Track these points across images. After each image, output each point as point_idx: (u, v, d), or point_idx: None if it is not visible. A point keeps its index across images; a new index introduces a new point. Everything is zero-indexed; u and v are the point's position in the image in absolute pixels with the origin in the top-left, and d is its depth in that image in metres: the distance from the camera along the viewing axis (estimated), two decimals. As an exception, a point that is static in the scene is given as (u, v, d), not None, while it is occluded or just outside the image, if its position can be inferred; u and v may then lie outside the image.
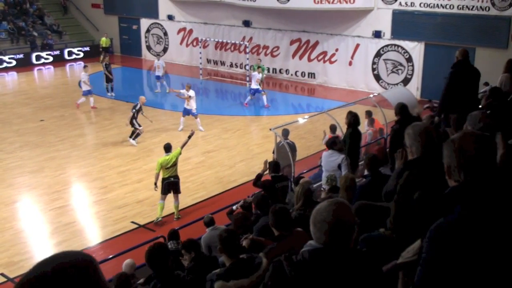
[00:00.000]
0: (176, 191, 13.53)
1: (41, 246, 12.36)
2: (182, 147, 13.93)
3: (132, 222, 13.25)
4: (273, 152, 14.23)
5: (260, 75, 23.31)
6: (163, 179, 13.42)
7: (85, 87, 22.90)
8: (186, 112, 20.43)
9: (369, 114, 16.75)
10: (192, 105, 20.16)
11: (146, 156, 17.62)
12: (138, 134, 19.01)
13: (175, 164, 13.50)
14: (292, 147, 14.25)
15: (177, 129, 20.20)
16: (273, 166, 10.95)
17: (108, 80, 25.08)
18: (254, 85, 22.89)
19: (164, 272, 5.40)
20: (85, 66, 24.48)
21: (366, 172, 7.83)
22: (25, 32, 33.81)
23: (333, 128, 14.98)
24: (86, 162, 17.12)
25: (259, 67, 24.13)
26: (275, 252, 5.32)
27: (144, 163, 17.00)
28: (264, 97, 22.97)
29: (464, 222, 2.50)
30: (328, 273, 2.89)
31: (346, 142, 10.81)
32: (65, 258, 1.73)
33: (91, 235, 13.05)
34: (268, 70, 29.14)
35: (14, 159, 17.36)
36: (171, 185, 13.45)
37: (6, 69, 30.24)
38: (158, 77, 26.03)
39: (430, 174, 4.11)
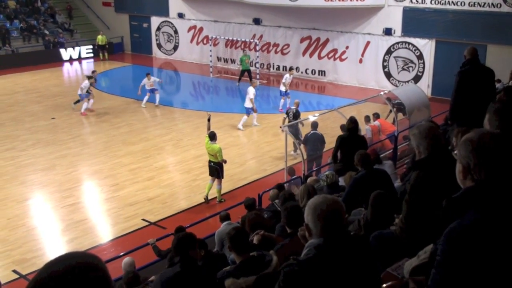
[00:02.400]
0: (218, 176, 14.16)
1: (53, 243, 12.45)
2: (208, 132, 14.54)
3: (143, 219, 13.31)
4: (293, 147, 14.30)
5: (291, 77, 23.15)
6: (209, 161, 14.29)
7: (81, 91, 22.34)
8: (248, 111, 20.35)
9: (376, 116, 16.65)
10: (248, 103, 20.10)
11: (157, 154, 17.69)
12: None
13: (213, 155, 14.09)
14: (321, 139, 15.09)
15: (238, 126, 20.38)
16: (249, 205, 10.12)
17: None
18: (282, 87, 22.58)
19: (188, 259, 5.43)
20: (93, 72, 24.52)
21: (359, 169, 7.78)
22: (37, 31, 34.01)
23: (343, 128, 14.95)
24: (97, 160, 17.22)
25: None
26: (287, 249, 5.36)
27: (155, 161, 17.07)
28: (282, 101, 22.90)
29: (480, 224, 2.47)
30: (334, 264, 3.03)
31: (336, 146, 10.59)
32: (74, 258, 1.76)
33: (102, 232, 13.13)
34: (278, 68, 29.16)
35: (26, 156, 17.49)
36: (211, 169, 14.26)
37: (18, 67, 30.40)
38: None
39: (439, 173, 4.12)
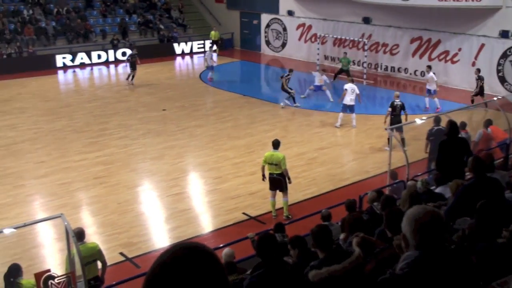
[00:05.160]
0: (281, 189, 13.31)
1: (157, 230, 13.03)
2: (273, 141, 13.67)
3: (244, 213, 13.58)
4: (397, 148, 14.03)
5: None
6: (269, 174, 13.39)
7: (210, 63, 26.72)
8: (346, 109, 20.09)
9: (488, 123, 15.77)
10: (347, 100, 19.90)
11: (261, 150, 17.94)
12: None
13: (277, 164, 13.18)
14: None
15: (335, 125, 20.24)
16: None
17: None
18: (431, 87, 22.56)
19: (271, 261, 5.54)
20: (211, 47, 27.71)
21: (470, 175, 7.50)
22: (152, 25, 35.54)
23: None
24: (202, 152, 17.77)
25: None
26: (386, 253, 5.33)
27: (258, 156, 17.31)
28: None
29: None
30: (432, 278, 2.95)
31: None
32: (193, 244, 1.78)
33: (204, 223, 13.55)
34: (386, 68, 28.65)
35: (137, 145, 18.36)
36: (273, 182, 13.30)
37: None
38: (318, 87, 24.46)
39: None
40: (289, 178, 13.29)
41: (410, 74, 27.99)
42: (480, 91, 22.23)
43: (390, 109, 17.79)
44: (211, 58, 27.67)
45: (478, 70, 22.74)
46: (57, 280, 7.87)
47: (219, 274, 1.71)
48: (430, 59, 27.13)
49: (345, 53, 28.18)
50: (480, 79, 22.30)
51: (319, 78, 23.65)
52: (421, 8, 26.28)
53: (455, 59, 26.43)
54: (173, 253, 1.71)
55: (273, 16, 34.57)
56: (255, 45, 36.11)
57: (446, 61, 26.75)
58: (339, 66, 27.32)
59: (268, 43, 35.39)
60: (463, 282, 3.07)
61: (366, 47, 28.34)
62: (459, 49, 26.16)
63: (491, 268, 4.40)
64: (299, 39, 33.26)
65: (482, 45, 25.29)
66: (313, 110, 22.62)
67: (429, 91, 22.44)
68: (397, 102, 17.78)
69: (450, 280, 2.98)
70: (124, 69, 29.99)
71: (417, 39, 27.63)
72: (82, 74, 30.38)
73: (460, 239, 5.76)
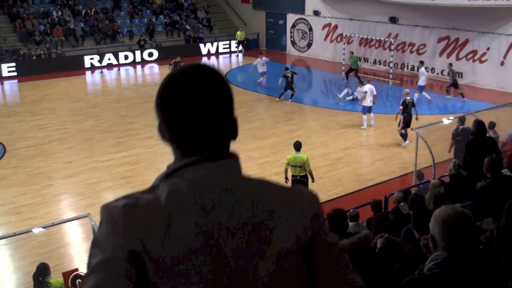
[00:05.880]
0: None
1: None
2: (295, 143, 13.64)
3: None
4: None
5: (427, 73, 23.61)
6: (292, 176, 13.38)
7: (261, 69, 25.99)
8: (366, 110, 19.95)
9: None
10: (368, 101, 19.76)
11: (285, 150, 17.89)
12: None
13: (301, 166, 13.17)
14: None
15: (361, 127, 20.02)
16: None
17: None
18: (422, 82, 22.72)
19: None
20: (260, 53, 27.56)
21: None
22: (179, 26, 35.77)
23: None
24: (228, 152, 17.74)
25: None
26: (414, 254, 5.30)
27: (283, 156, 17.23)
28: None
29: None
30: (462, 280, 2.92)
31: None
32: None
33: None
34: (413, 68, 28.41)
35: (163, 145, 18.09)
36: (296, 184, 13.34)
37: (160, 60, 32.12)
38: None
39: None
40: (312, 178, 13.28)
41: (437, 74, 27.66)
42: (454, 83, 23.51)
43: (401, 107, 17.77)
44: (262, 65, 26.62)
45: (450, 65, 24.13)
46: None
47: (226, 85, 1.71)
48: (457, 59, 26.81)
49: (352, 52, 28.22)
50: (451, 72, 23.61)
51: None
52: (448, 7, 26.00)
53: (483, 59, 26.08)
54: (181, 67, 1.73)
55: (299, 16, 34.52)
56: (281, 45, 36.09)
57: (474, 61, 26.42)
58: (367, 66, 27.26)
59: (293, 43, 35.36)
60: (492, 283, 3.03)
61: (392, 47, 28.13)
62: (488, 49, 25.80)
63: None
64: (325, 39, 33.15)
65: (511, 44, 24.92)
66: (338, 110, 22.53)
67: (421, 87, 22.70)
68: (408, 99, 17.81)
69: (479, 281, 2.95)
70: (150, 69, 30.22)
71: (445, 38, 27.34)
72: (109, 74, 30.71)
73: (488, 240, 5.69)
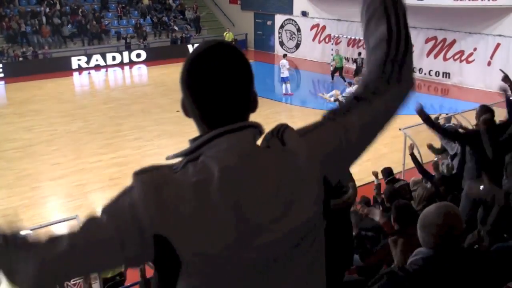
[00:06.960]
0: None
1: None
2: None
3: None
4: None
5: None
6: None
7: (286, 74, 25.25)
8: None
9: None
10: None
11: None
12: None
13: None
14: None
15: None
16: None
17: None
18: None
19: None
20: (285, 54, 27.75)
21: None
22: (166, 26, 35.67)
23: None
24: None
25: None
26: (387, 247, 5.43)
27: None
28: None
29: None
30: (444, 278, 2.90)
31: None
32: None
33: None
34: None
35: (152, 146, 18.43)
36: None
37: (149, 61, 32.04)
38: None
39: None
40: None
41: (425, 74, 27.82)
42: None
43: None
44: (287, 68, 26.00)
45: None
46: (73, 281, 7.92)
47: (247, 61, 1.81)
48: (445, 59, 27.01)
49: (337, 50, 28.40)
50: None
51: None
52: (436, 8, 26.14)
53: (470, 59, 26.26)
54: (204, 43, 1.79)
55: (287, 16, 34.56)
56: (269, 46, 36.12)
57: (461, 61, 26.59)
58: (354, 66, 27.29)
59: (282, 44, 35.39)
60: (478, 282, 3.02)
61: (380, 47, 28.19)
62: (475, 49, 25.98)
63: (507, 268, 4.37)
64: (313, 39, 33.21)
65: (498, 45, 25.09)
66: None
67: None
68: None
69: (465, 281, 2.94)
70: (138, 70, 30.12)
71: (432, 39, 27.49)
72: (97, 75, 30.57)
73: (476, 240, 5.74)
